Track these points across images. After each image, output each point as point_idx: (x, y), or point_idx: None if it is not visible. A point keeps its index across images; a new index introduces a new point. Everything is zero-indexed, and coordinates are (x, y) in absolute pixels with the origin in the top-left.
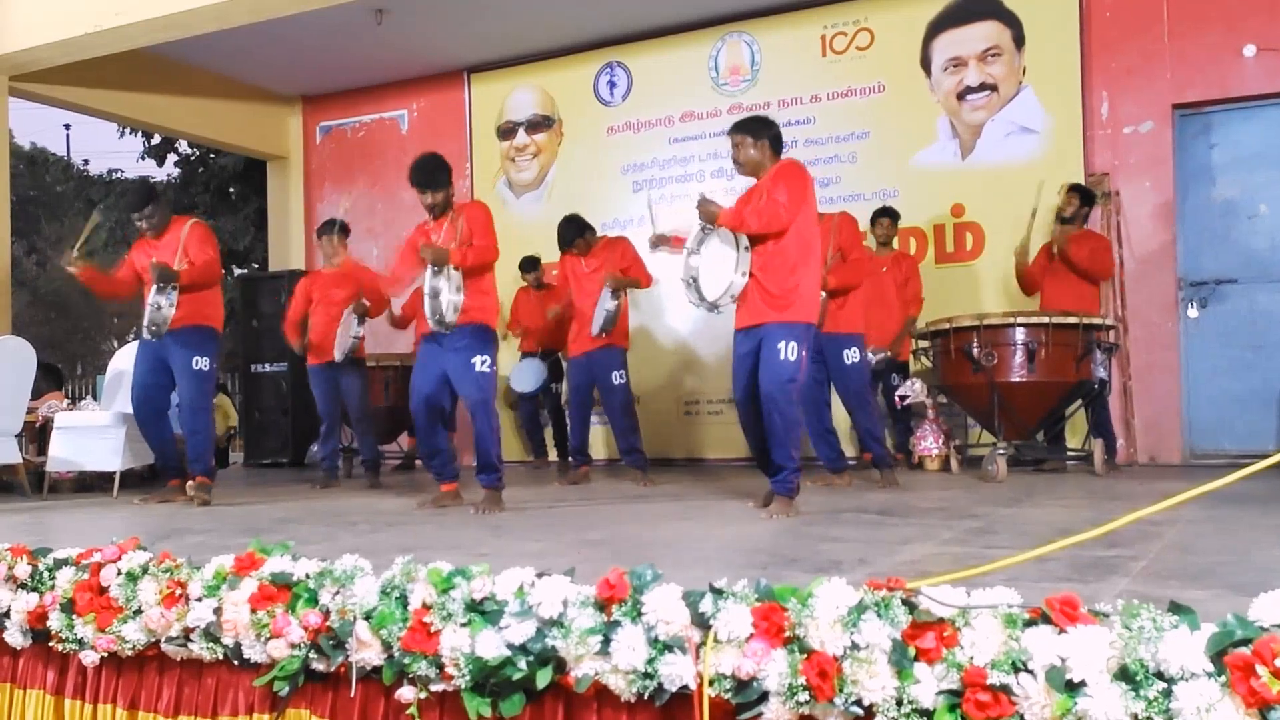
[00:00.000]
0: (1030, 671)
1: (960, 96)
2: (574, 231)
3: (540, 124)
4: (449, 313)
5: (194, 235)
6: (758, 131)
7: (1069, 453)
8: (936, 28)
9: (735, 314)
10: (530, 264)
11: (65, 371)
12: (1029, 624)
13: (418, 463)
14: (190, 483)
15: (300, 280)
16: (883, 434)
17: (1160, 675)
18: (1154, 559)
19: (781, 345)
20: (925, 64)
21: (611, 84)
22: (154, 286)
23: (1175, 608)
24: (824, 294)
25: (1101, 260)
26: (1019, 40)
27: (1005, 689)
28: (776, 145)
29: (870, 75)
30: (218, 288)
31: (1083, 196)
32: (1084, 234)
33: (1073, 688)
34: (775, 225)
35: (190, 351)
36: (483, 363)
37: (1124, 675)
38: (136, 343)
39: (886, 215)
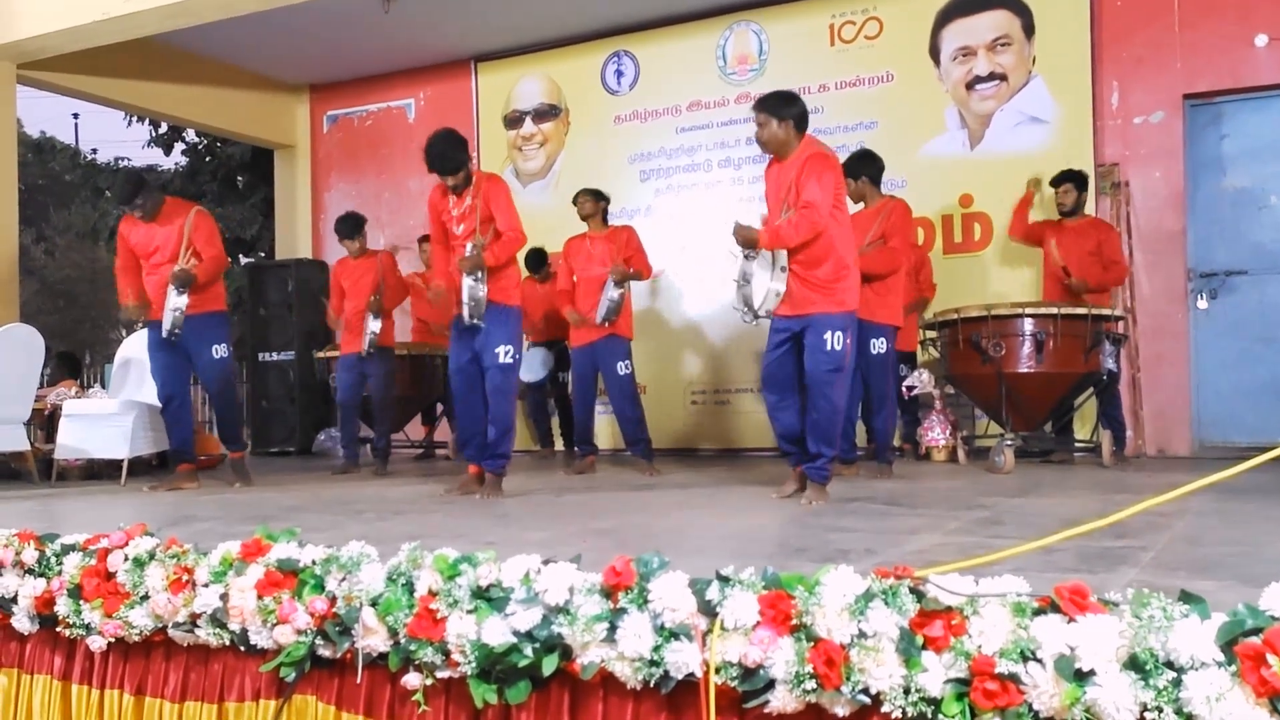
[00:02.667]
0: (1039, 660)
1: (969, 86)
2: (581, 191)
3: (547, 113)
4: (481, 309)
5: (200, 229)
6: (779, 110)
7: (1077, 444)
8: (945, 17)
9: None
10: (537, 262)
11: (80, 360)
12: (1038, 613)
13: (438, 451)
14: (230, 458)
15: (333, 268)
16: (892, 430)
17: (1170, 665)
18: (1162, 550)
19: (828, 335)
20: (934, 53)
21: (619, 73)
22: (172, 289)
23: (1185, 597)
24: None
25: (1118, 272)
26: (1029, 29)
27: (1014, 678)
28: (801, 123)
29: (879, 65)
30: None
31: (1077, 183)
32: (1091, 227)
33: (1082, 677)
34: (813, 231)
35: (208, 341)
36: (506, 353)
37: (1133, 664)
38: (144, 331)
39: None
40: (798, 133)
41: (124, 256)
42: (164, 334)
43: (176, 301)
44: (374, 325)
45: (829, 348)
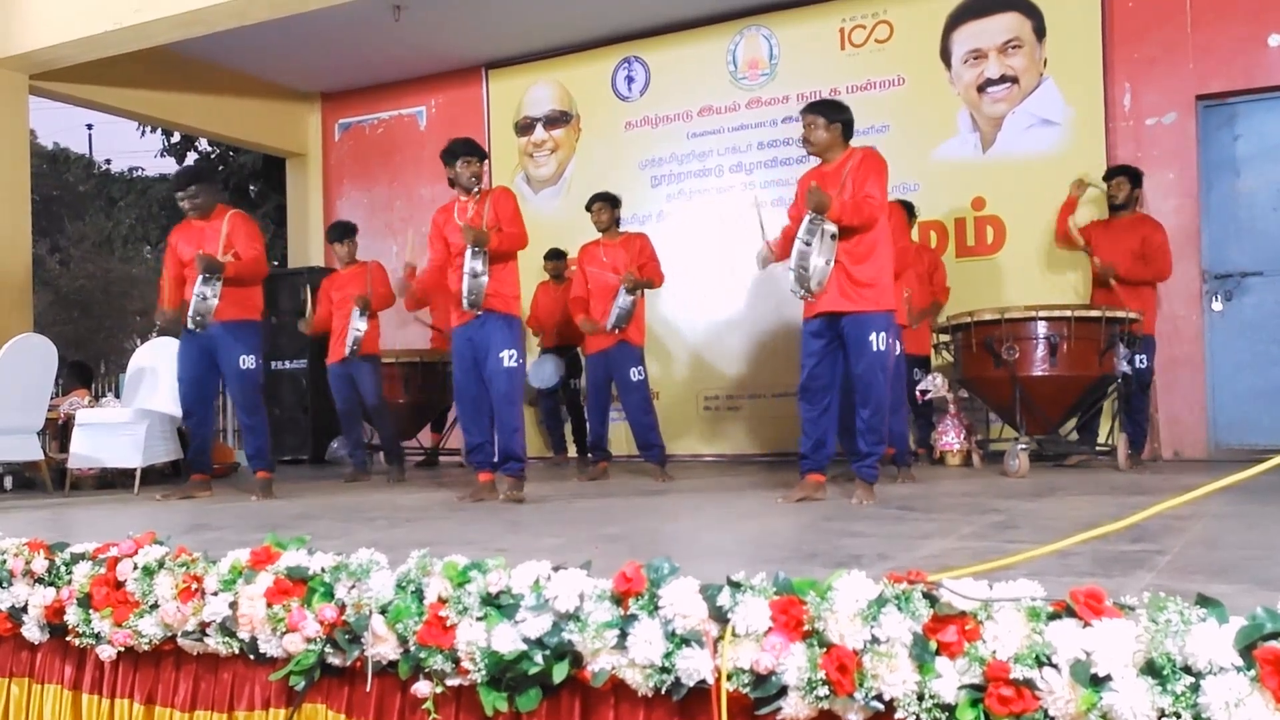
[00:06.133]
0: (1054, 666)
1: (981, 89)
2: (595, 199)
3: (558, 119)
4: (482, 294)
5: (239, 228)
6: (830, 114)
7: (1097, 447)
8: (956, 20)
9: (807, 302)
10: (556, 252)
11: (93, 369)
12: (1053, 617)
13: (441, 458)
14: (257, 477)
15: (322, 283)
16: (908, 432)
17: (1188, 669)
18: (1179, 553)
19: (873, 336)
20: (945, 56)
21: (629, 79)
22: (200, 277)
23: (1203, 600)
24: None
25: (1158, 262)
26: (1040, 32)
27: (1029, 683)
28: (848, 131)
29: (890, 68)
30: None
31: (1132, 179)
32: (1137, 223)
33: (1098, 682)
34: (871, 220)
35: (238, 350)
36: (511, 357)
37: (1150, 669)
38: (158, 340)
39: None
40: (843, 140)
41: (173, 266)
42: (189, 322)
43: (202, 288)
44: (359, 324)
45: (875, 347)
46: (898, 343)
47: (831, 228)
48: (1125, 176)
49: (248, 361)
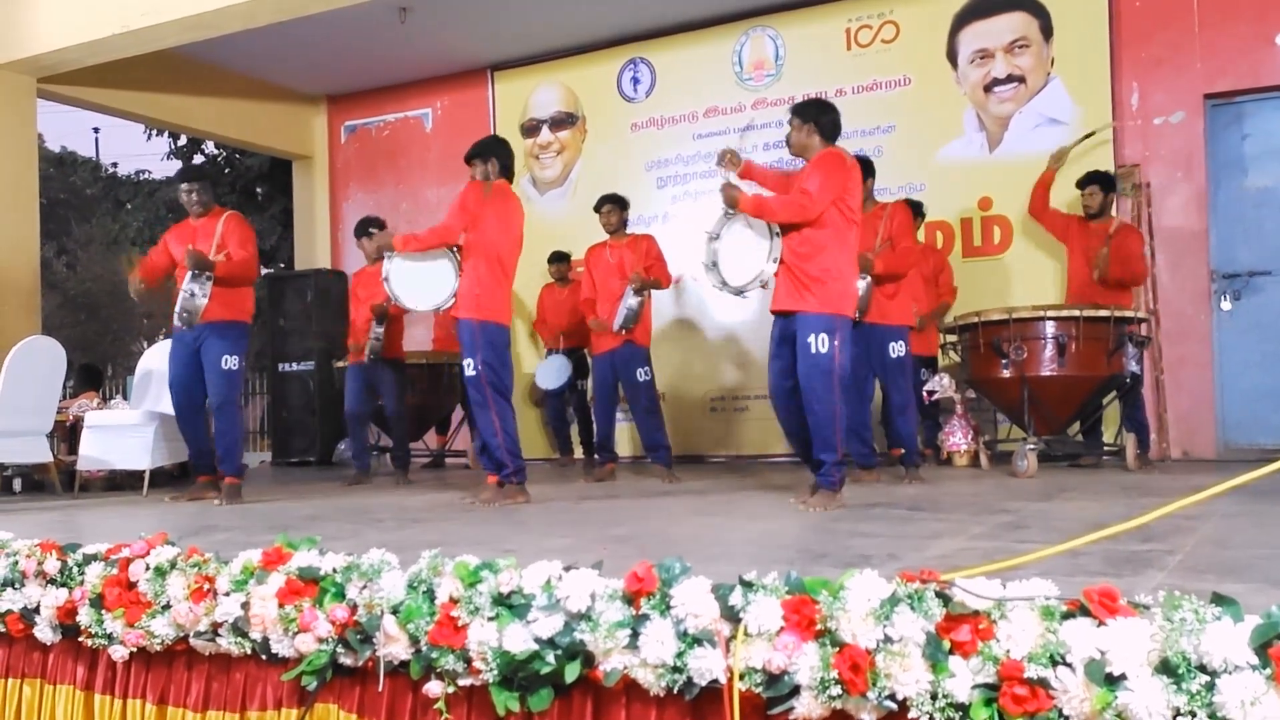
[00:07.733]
0: (1069, 665)
1: (987, 89)
2: (604, 200)
3: (564, 121)
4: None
5: (233, 229)
6: (805, 114)
7: (1105, 447)
8: (963, 19)
9: (772, 297)
10: (560, 254)
11: (101, 372)
12: (1067, 616)
13: (446, 459)
14: (224, 483)
15: (353, 278)
16: (916, 432)
17: (1203, 668)
18: (1189, 553)
19: (811, 338)
20: (951, 56)
21: (635, 80)
22: (189, 274)
23: (1218, 599)
24: (869, 279)
25: (1135, 270)
26: (1047, 31)
27: (1043, 682)
28: (827, 130)
29: (896, 68)
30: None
31: (1103, 185)
32: (1121, 238)
33: (1113, 681)
34: (801, 216)
35: (221, 349)
36: (470, 365)
37: (1165, 668)
38: (165, 342)
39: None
40: (822, 139)
41: (158, 249)
42: (175, 319)
43: (190, 285)
44: (375, 330)
45: (814, 350)
46: (903, 343)
47: (775, 227)
48: (1097, 184)
49: (230, 362)
